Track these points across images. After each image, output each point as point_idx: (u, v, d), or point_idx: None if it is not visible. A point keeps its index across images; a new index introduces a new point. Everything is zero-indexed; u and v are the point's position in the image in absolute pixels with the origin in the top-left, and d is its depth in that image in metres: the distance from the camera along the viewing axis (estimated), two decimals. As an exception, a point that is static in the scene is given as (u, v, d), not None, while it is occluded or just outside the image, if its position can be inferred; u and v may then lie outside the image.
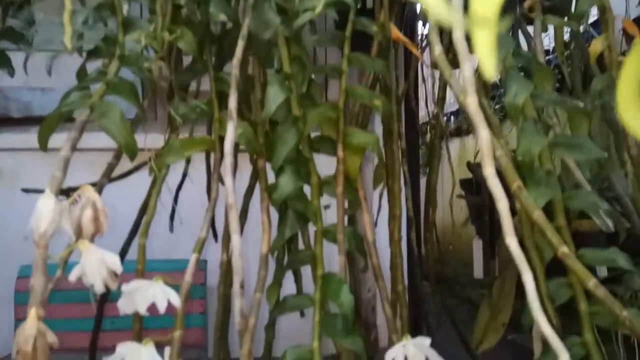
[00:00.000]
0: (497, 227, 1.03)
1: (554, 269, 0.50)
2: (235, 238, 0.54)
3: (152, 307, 0.50)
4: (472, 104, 0.36)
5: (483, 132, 0.35)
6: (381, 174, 0.68)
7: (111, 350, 0.52)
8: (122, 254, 0.63)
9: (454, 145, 3.28)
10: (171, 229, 0.84)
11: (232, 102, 0.55)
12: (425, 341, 0.53)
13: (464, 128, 3.61)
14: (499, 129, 0.54)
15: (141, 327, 0.54)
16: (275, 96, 0.55)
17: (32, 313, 0.41)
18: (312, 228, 0.60)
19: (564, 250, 0.38)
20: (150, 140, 0.60)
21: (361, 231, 0.62)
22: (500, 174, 0.37)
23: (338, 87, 0.60)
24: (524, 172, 0.45)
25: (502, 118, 1.04)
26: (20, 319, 1.74)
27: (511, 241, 0.33)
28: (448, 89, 0.83)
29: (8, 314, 1.72)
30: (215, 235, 0.82)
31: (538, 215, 0.38)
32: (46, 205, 0.43)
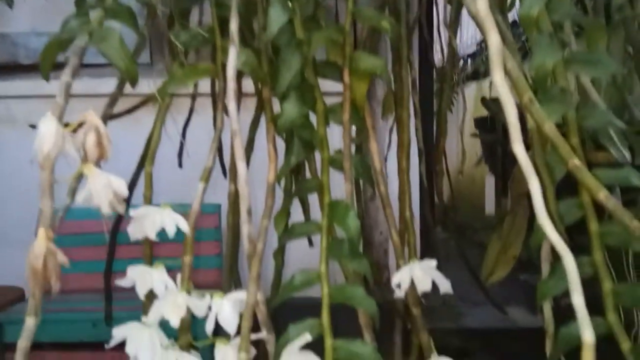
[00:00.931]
0: (510, 164, 1.01)
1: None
2: (240, 165, 0.54)
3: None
4: (482, 7, 0.34)
5: (493, 36, 0.33)
6: (390, 103, 0.66)
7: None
8: (131, 186, 0.63)
9: (471, 89, 3.19)
10: (180, 164, 0.84)
11: (233, 25, 0.53)
12: (432, 263, 0.54)
13: (481, 71, 3.51)
14: (513, 47, 0.51)
15: (152, 252, 0.55)
16: (277, 17, 0.53)
17: (41, 233, 0.41)
18: (318, 157, 0.60)
19: (575, 162, 0.36)
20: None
21: (369, 160, 0.61)
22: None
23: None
24: (537, 88, 0.43)
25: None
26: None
27: (518, 148, 0.32)
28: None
29: (24, 254, 1.78)
30: (224, 172, 0.82)
31: (549, 127, 0.37)
32: (48, 128, 0.43)
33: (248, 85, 0.67)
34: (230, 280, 0.64)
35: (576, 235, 0.49)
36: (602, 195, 0.35)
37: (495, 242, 0.90)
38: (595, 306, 0.41)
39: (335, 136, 0.61)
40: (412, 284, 0.56)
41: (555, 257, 0.54)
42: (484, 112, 1.45)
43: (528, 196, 0.95)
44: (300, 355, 0.47)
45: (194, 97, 0.81)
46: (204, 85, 0.74)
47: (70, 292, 1.91)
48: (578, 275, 0.28)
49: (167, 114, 0.59)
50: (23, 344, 0.40)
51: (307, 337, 0.47)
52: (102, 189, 0.46)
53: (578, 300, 0.27)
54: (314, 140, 0.57)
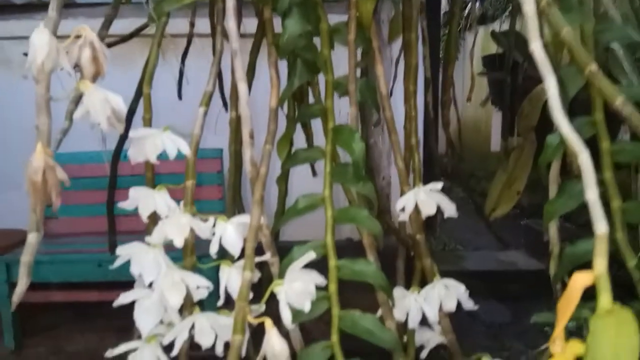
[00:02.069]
0: (518, 100, 0.99)
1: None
2: (241, 86, 0.52)
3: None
4: None
5: None
6: (397, 25, 0.63)
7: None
8: (130, 113, 0.62)
9: (479, 34, 3.10)
10: (179, 96, 0.82)
11: None
12: (438, 185, 0.53)
13: (489, 14, 3.39)
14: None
15: (153, 175, 0.55)
16: None
17: (39, 148, 0.40)
18: (322, 81, 0.58)
19: (592, 68, 0.35)
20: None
21: (375, 84, 0.59)
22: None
23: None
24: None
25: None
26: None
27: (535, 45, 0.30)
28: None
29: (24, 198, 1.78)
30: (224, 103, 0.80)
31: (566, 32, 0.35)
32: (41, 38, 0.41)
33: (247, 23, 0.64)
34: (233, 208, 0.64)
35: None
36: (619, 101, 0.34)
37: (500, 176, 0.89)
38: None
39: (339, 63, 0.59)
40: (417, 210, 0.56)
41: (563, 179, 0.53)
42: (491, 51, 1.40)
43: (535, 130, 0.93)
44: (304, 273, 0.47)
45: (192, 24, 0.77)
46: (202, 25, 0.71)
47: (75, 235, 1.94)
48: (593, 172, 0.27)
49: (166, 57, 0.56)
50: (26, 258, 0.40)
51: (311, 255, 0.47)
52: (100, 105, 0.44)
53: (592, 195, 0.26)
54: (317, 62, 0.55)
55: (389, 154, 2.28)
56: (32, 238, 0.41)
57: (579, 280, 0.23)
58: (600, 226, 0.24)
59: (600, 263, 0.23)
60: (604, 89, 0.34)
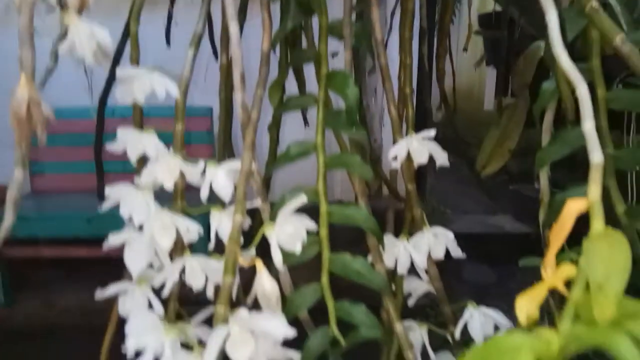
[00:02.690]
0: (512, 59, 0.98)
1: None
2: (232, 26, 0.51)
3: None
4: None
5: None
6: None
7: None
8: (117, 54, 0.60)
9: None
10: (168, 41, 0.80)
11: None
12: (430, 133, 0.52)
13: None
14: None
15: (141, 118, 0.53)
16: None
17: (22, 79, 0.39)
18: (316, 25, 0.56)
19: (593, 4, 0.34)
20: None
21: (370, 29, 0.58)
22: None
23: None
24: None
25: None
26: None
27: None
28: None
29: (10, 153, 1.75)
30: (214, 52, 0.78)
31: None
32: (21, -35, 0.39)
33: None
34: (224, 156, 0.63)
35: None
36: (618, 38, 0.33)
37: (492, 134, 0.89)
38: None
39: (334, 6, 0.57)
40: (409, 159, 0.56)
41: (557, 127, 0.53)
42: (488, 9, 1.38)
43: (529, 87, 0.92)
44: (295, 217, 0.47)
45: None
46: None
47: (65, 192, 1.92)
48: (590, 104, 0.27)
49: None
50: (13, 193, 0.39)
51: (302, 199, 0.46)
52: (86, 39, 0.43)
53: (589, 126, 0.25)
54: (311, 3, 0.53)
55: (382, 117, 2.27)
56: (18, 173, 0.40)
57: (573, 207, 0.23)
58: (596, 155, 0.24)
59: (594, 190, 0.23)
60: (603, 25, 0.34)
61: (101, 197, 0.70)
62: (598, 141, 0.25)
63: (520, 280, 0.54)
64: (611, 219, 0.43)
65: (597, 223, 0.22)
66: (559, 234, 0.23)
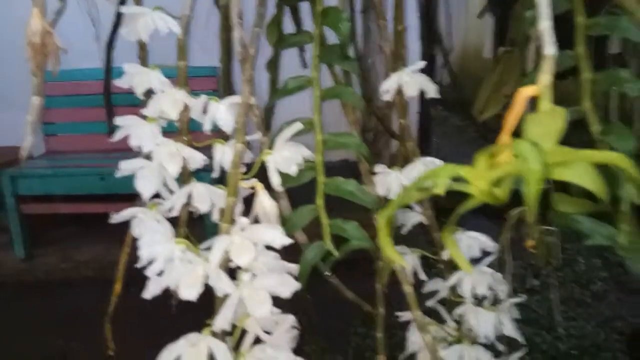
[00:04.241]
0: (511, 5, 0.98)
1: None
2: (230, -36, 0.53)
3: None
4: None
5: None
6: None
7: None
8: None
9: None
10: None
11: None
12: (419, 64, 0.55)
13: None
14: None
15: (146, 55, 0.56)
16: None
17: (35, 11, 0.42)
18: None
19: None
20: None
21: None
22: None
23: None
24: None
25: None
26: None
27: None
28: None
29: (23, 116, 1.78)
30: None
31: None
32: None
33: None
34: (226, 92, 0.66)
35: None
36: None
37: (490, 79, 0.91)
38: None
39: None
40: (400, 94, 0.58)
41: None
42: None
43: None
44: (292, 145, 0.51)
45: None
46: None
47: (78, 152, 1.97)
48: (547, 6, 0.29)
49: None
50: (30, 118, 0.43)
51: (298, 126, 0.50)
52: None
53: (544, 24, 0.28)
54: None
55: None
56: (35, 100, 0.44)
57: (524, 92, 0.26)
58: (549, 49, 0.27)
59: (545, 78, 0.26)
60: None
61: (111, 131, 0.74)
62: (552, 37, 0.28)
63: (520, 233, 0.57)
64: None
65: (544, 103, 0.25)
66: (512, 117, 0.26)
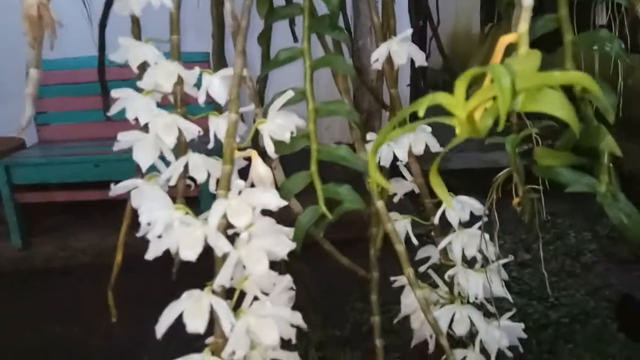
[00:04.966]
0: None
1: None
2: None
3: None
4: None
5: None
6: None
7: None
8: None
9: None
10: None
11: None
12: (407, 32, 0.56)
13: None
14: None
15: (139, 30, 0.57)
16: None
17: (30, -16, 0.43)
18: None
19: None
20: None
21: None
22: None
23: None
24: None
25: None
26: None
27: None
28: None
29: (21, 107, 1.78)
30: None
31: None
32: None
33: None
34: (219, 67, 0.67)
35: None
36: None
37: (478, 54, 0.92)
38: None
39: None
40: (390, 63, 0.60)
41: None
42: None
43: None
44: (284, 114, 0.52)
45: None
46: None
47: (72, 140, 1.97)
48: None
49: None
50: (30, 90, 0.44)
51: (290, 93, 0.51)
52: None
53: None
54: None
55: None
56: (33, 73, 0.45)
57: (504, 40, 0.27)
58: (527, 1, 0.28)
59: (523, 26, 0.27)
60: None
61: (107, 109, 0.75)
62: (530, -9, 0.29)
63: (512, 210, 0.59)
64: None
65: (522, 48, 0.26)
66: (494, 59, 0.27)
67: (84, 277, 1.67)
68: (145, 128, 0.53)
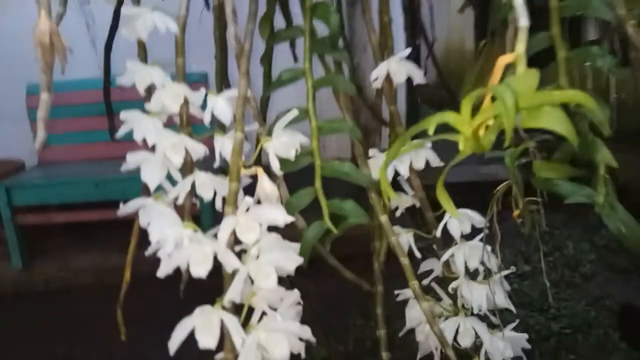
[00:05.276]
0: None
1: None
2: (223, -36, 0.56)
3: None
4: None
5: None
6: None
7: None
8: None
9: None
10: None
11: None
12: (406, 52, 0.58)
13: None
14: None
15: (145, 53, 0.59)
16: None
17: (42, 14, 0.45)
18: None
19: None
20: None
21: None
22: None
23: None
24: None
25: None
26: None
27: None
28: None
29: (20, 128, 1.79)
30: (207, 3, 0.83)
31: None
32: None
33: None
34: (221, 88, 0.69)
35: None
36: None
37: (472, 71, 0.94)
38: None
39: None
40: (389, 81, 0.62)
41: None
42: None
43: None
44: (289, 133, 0.53)
45: None
46: None
47: (72, 161, 1.98)
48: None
49: None
50: (41, 114, 0.46)
51: (294, 112, 0.53)
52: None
53: (519, 1, 0.31)
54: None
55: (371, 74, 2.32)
56: (45, 97, 0.46)
57: (503, 60, 0.29)
58: (522, 21, 0.30)
59: (520, 47, 0.29)
60: None
61: (112, 133, 0.76)
62: (526, 11, 0.31)
63: (511, 223, 0.60)
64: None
65: (520, 67, 0.28)
66: (493, 81, 0.29)
67: (85, 297, 1.66)
68: (145, 146, 0.54)
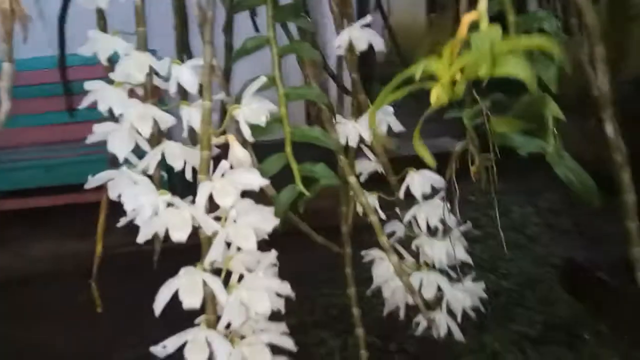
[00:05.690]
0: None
1: None
2: None
3: None
4: None
5: None
6: None
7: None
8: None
9: None
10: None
11: None
12: (367, 19, 0.60)
13: None
14: None
15: (105, 23, 0.58)
16: None
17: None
18: None
19: None
20: None
21: None
22: None
23: None
24: None
25: None
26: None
27: None
28: None
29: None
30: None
31: None
32: None
33: None
34: (181, 58, 0.68)
35: None
36: None
37: (424, 43, 0.98)
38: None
39: None
40: (351, 51, 0.63)
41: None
42: None
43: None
44: (257, 100, 0.54)
45: None
46: None
47: (22, 145, 1.88)
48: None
49: None
50: (4, 84, 0.44)
51: (262, 79, 0.54)
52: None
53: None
54: None
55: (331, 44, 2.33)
56: (7, 67, 0.45)
57: (468, 17, 0.31)
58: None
59: (482, 4, 0.32)
60: None
61: (71, 112, 0.74)
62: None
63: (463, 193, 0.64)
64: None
65: (484, 23, 0.30)
66: (459, 36, 0.31)
67: (42, 284, 1.61)
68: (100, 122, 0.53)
